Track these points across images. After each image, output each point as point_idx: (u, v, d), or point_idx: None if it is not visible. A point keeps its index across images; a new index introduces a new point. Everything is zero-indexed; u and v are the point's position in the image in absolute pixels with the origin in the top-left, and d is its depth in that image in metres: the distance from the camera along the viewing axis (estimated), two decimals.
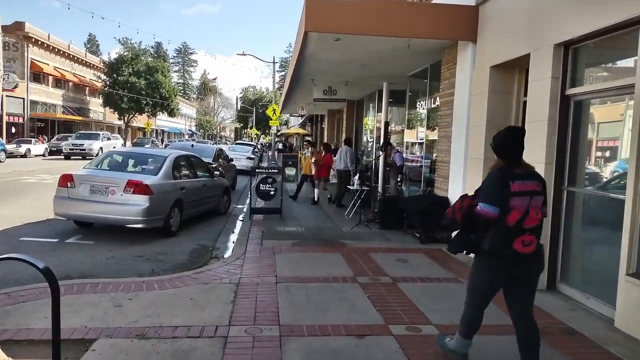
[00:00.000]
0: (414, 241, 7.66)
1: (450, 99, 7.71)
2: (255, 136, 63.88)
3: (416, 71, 10.70)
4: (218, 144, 37.28)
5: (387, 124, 10.35)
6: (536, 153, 5.25)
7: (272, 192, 9.59)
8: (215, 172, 9.84)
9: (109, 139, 33.05)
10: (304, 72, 11.36)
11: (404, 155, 10.69)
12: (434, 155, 8.90)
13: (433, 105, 9.73)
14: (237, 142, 39.43)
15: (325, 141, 19.19)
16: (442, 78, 8.14)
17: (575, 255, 5.11)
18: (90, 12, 64.61)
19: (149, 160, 8.23)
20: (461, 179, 7.12)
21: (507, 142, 3.05)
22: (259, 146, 39.55)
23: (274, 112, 26.41)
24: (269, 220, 9.25)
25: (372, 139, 15.84)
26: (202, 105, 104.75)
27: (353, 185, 10.47)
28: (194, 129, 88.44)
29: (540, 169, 5.16)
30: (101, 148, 28.91)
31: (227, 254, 6.86)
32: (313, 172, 12.42)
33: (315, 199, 11.95)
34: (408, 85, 11.55)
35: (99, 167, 8.11)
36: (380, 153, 9.80)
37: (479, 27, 6.88)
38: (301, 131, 36.28)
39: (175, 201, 7.82)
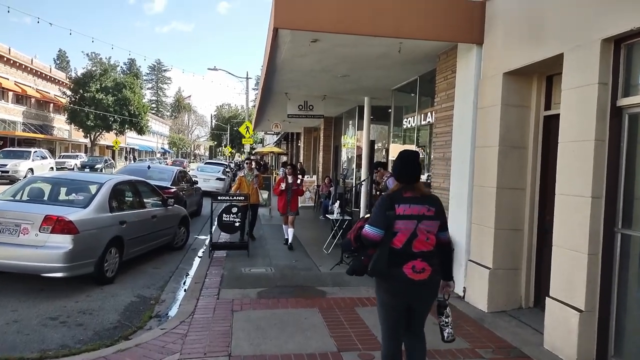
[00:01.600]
0: None
1: (449, 114, 6.44)
2: (229, 154, 62.04)
3: (402, 84, 9.48)
4: (189, 163, 35.55)
5: (372, 143, 9.04)
6: (576, 184, 3.97)
7: (236, 224, 8.08)
8: (170, 200, 8.29)
9: (43, 157, 25.81)
10: (277, 83, 10.01)
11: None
12: (428, 178, 7.61)
13: (424, 122, 8.48)
14: (207, 161, 37.58)
15: (293, 162, 17.88)
16: (437, 90, 6.89)
17: (634, 320, 3.80)
18: (68, 28, 62.23)
19: (81, 188, 6.64)
20: (465, 210, 5.79)
21: (397, 166, 3.10)
22: (231, 165, 37.85)
23: (247, 130, 24.99)
24: (233, 258, 7.72)
25: (348, 160, 14.56)
26: (176, 123, 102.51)
27: (333, 213, 9.07)
28: (167, 147, 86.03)
29: (582, 205, 3.86)
30: (31, 170, 22.68)
31: (172, 311, 5.32)
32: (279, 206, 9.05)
33: (289, 242, 8.82)
34: (393, 100, 10.31)
35: (15, 198, 6.48)
36: (364, 178, 8.44)
37: (485, 26, 5.65)
38: (276, 150, 34.88)
39: (113, 239, 6.24)
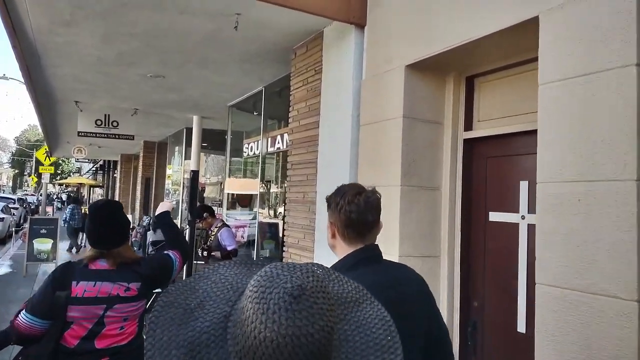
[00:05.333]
0: None
1: (311, 135, 4.22)
2: (35, 186, 51.66)
3: (242, 98, 7.10)
4: None
5: (195, 174, 6.45)
6: None
7: None
8: None
9: None
10: (55, 83, 6.69)
11: (237, 229, 6.67)
12: (281, 224, 5.28)
13: (271, 149, 6.19)
14: None
15: (109, 196, 14.05)
16: (293, 100, 4.65)
17: None
18: None
19: None
20: None
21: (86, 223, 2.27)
22: (34, 198, 30.52)
23: (48, 156, 19.74)
24: None
25: (174, 194, 11.55)
26: None
27: None
28: None
29: None
30: None
31: None
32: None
33: None
34: (229, 119, 7.85)
35: None
36: (183, 226, 5.69)
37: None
38: (86, 181, 29.20)
39: None
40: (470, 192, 3.20)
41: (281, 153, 6.07)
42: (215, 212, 5.69)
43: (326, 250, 3.75)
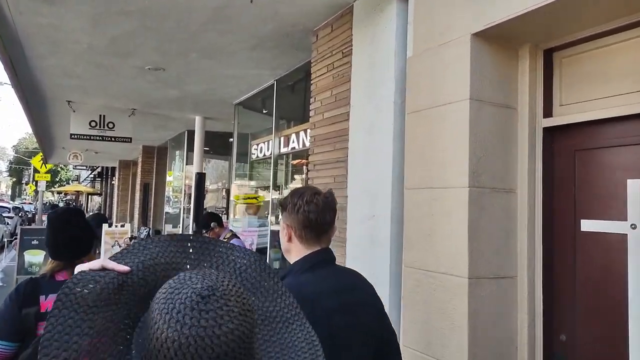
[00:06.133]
0: None
1: (338, 130, 3.56)
2: (33, 194, 50.99)
3: (250, 94, 6.45)
4: None
5: (201, 176, 5.85)
6: None
7: None
8: None
9: None
10: (43, 78, 6.04)
11: (247, 238, 5.94)
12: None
13: (285, 149, 5.54)
14: None
15: (107, 203, 13.45)
16: (314, 90, 3.97)
17: None
18: None
19: None
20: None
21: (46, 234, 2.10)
22: (32, 207, 29.78)
23: (44, 163, 19.10)
24: None
25: (176, 203, 10.86)
26: None
27: None
28: None
29: None
30: None
31: None
32: None
33: None
34: (236, 119, 7.19)
35: None
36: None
37: None
38: (83, 188, 28.57)
39: None
40: (553, 194, 2.52)
41: (293, 154, 5.42)
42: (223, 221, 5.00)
43: (362, 264, 3.07)
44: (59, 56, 4.98)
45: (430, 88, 2.67)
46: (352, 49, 3.46)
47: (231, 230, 4.72)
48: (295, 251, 1.46)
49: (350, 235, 3.32)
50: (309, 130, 4.11)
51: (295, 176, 5.77)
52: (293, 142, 5.28)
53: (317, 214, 1.42)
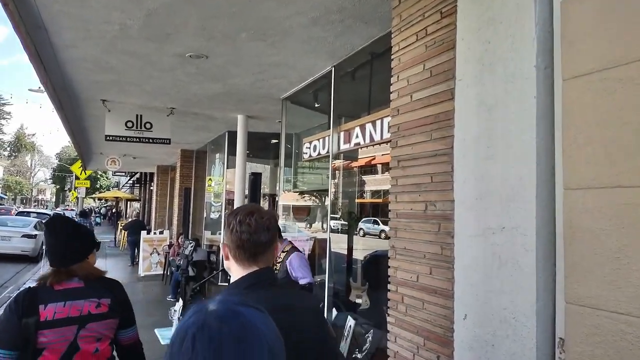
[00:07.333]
0: None
1: (437, 114, 2.70)
2: (75, 200, 52.37)
3: (301, 86, 5.69)
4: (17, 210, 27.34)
5: (256, 177, 5.22)
6: None
7: None
8: None
9: None
10: (73, 74, 5.46)
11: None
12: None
13: (345, 145, 4.73)
14: (20, 210, 30.40)
15: (145, 210, 13.04)
16: (396, 66, 3.12)
17: None
18: None
19: None
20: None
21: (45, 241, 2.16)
22: (73, 213, 30.19)
23: (83, 169, 19.07)
24: None
25: (218, 207, 10.23)
26: (14, 163, 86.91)
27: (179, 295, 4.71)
28: None
29: None
30: None
31: None
32: None
33: None
34: (284, 115, 6.45)
35: None
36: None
37: None
38: (122, 195, 28.72)
39: None
40: None
41: (359, 150, 4.61)
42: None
43: (484, 296, 2.21)
44: (88, 43, 4.34)
45: (607, 39, 1.79)
46: (456, 5, 2.61)
47: (290, 242, 3.92)
48: (233, 270, 1.42)
49: (461, 254, 2.47)
50: (388, 119, 3.28)
51: (357, 177, 4.95)
52: (357, 136, 4.46)
53: (250, 234, 1.36)
